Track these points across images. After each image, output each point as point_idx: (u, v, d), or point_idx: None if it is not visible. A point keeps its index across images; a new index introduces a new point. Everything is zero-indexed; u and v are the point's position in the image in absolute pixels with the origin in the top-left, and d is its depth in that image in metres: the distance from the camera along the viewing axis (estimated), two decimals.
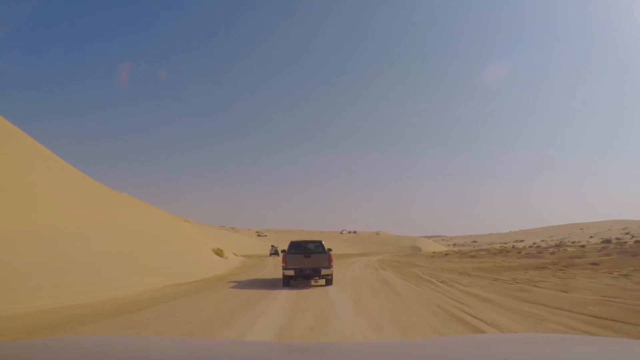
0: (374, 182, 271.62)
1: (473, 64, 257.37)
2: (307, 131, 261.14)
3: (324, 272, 12.26)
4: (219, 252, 27.64)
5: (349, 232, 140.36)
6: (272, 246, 55.42)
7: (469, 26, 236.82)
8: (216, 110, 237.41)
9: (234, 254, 39.47)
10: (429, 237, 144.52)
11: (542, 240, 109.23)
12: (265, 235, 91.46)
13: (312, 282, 12.89)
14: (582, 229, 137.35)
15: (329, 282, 12.58)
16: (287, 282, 12.49)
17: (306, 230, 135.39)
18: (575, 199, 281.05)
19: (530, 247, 55.29)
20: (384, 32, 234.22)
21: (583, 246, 40.75)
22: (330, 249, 13.05)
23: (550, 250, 36.20)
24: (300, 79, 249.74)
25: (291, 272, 12.22)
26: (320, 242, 14.20)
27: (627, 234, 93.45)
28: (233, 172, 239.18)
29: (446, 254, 50.37)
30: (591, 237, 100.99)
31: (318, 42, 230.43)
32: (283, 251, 13.18)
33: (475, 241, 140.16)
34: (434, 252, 63.85)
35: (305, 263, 12.26)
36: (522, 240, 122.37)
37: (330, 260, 12.37)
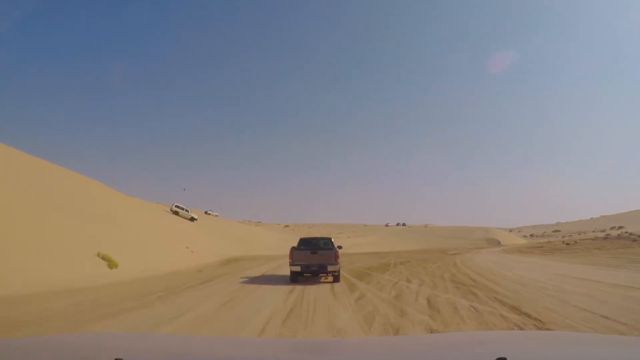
0: (414, 173, 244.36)
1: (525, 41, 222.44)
2: (340, 122, 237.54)
3: (330, 268, 12.10)
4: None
5: (397, 225, 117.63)
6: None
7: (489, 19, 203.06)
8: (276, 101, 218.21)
9: (191, 250, 25.89)
10: (498, 228, 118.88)
11: None
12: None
13: (322, 279, 12.79)
14: None
15: (336, 278, 12.35)
16: (295, 278, 12.39)
17: (346, 224, 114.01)
18: None
19: None
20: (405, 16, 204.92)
21: None
22: (340, 246, 13.07)
23: None
24: (330, 64, 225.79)
25: (297, 268, 12.21)
26: (329, 238, 14.23)
27: None
28: (271, 164, 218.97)
29: None
30: None
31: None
32: (292, 247, 12.92)
33: (557, 230, 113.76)
34: (576, 241, 40.79)
35: (312, 259, 12.20)
36: (622, 227, 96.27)
37: (337, 256, 12.21)
